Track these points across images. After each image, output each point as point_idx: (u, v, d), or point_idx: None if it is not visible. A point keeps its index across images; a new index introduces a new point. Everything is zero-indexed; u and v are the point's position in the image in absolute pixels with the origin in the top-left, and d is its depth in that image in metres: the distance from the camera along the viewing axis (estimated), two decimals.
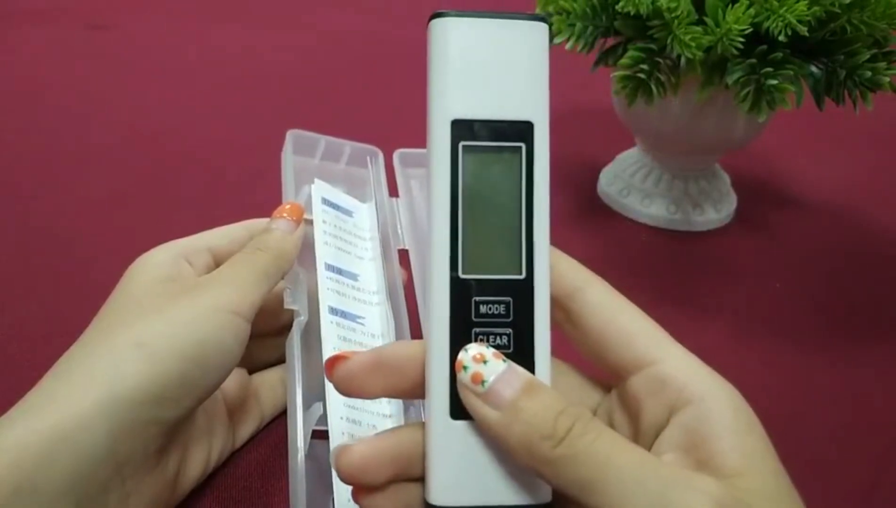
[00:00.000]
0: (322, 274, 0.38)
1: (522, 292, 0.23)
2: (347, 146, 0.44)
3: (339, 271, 0.39)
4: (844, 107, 0.47)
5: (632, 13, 0.46)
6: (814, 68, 0.47)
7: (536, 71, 0.24)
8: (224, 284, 0.32)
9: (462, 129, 0.23)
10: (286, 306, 0.35)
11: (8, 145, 0.65)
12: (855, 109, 0.46)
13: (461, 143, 0.23)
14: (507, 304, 0.23)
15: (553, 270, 0.24)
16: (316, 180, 0.41)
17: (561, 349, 0.24)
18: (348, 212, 0.42)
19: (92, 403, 0.26)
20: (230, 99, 0.76)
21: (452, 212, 0.23)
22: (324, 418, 0.35)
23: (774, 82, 0.44)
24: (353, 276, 0.40)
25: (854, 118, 0.48)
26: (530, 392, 0.22)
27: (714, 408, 0.22)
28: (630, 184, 0.60)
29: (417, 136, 0.68)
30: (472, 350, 0.22)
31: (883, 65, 0.45)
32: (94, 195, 0.58)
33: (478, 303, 0.23)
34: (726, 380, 0.23)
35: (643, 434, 0.24)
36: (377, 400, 0.37)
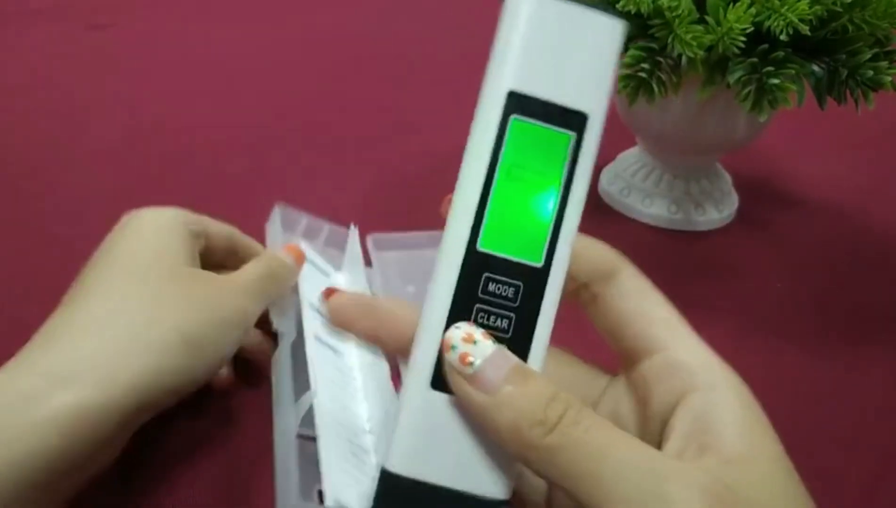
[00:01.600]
0: (307, 310, 0.39)
1: (536, 280, 0.23)
2: (326, 227, 0.48)
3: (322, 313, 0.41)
4: (846, 106, 0.47)
5: (633, 12, 0.46)
6: (815, 67, 0.46)
7: (604, 66, 0.23)
8: (249, 296, 0.35)
9: (516, 103, 0.22)
10: (274, 328, 0.37)
11: (8, 144, 0.64)
12: (857, 108, 0.46)
13: (512, 116, 0.22)
14: (516, 288, 0.23)
15: (586, 254, 0.24)
16: (301, 241, 0.44)
17: (565, 336, 0.24)
18: (326, 274, 0.44)
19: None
20: (230, 98, 0.76)
21: (486, 180, 0.22)
22: (310, 421, 0.36)
23: (776, 81, 0.44)
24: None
25: (856, 117, 0.48)
26: (520, 376, 0.21)
27: (721, 397, 0.22)
28: (631, 183, 0.60)
29: (418, 132, 0.69)
30: (462, 329, 0.22)
31: (884, 64, 0.45)
32: (94, 194, 0.58)
33: (488, 279, 0.22)
34: (736, 373, 0.23)
35: (651, 419, 0.24)
36: (360, 420, 0.38)
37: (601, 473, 0.20)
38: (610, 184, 0.61)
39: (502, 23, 0.23)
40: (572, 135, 0.23)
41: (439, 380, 0.22)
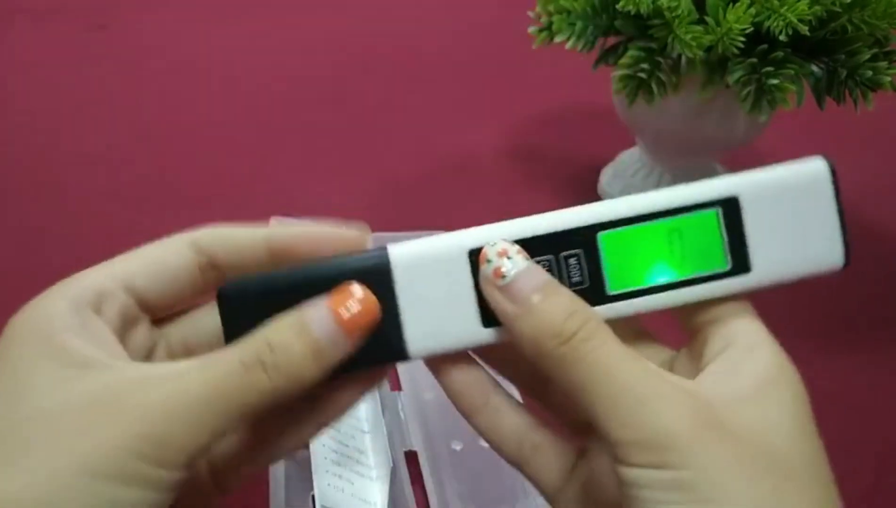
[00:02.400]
0: None
1: (593, 294, 0.24)
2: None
3: None
4: (845, 106, 0.47)
5: (632, 12, 0.46)
6: (815, 67, 0.46)
7: (799, 266, 0.25)
8: (150, 410, 0.20)
9: (728, 207, 0.24)
10: None
11: (8, 145, 0.65)
12: (856, 109, 0.46)
13: (717, 209, 0.24)
14: (577, 284, 0.24)
15: None
16: None
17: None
18: None
19: None
20: (231, 98, 0.76)
21: (657, 214, 0.24)
22: None
23: (775, 81, 0.44)
24: None
25: (855, 117, 0.48)
26: (548, 291, 0.23)
27: (754, 355, 0.23)
28: (630, 183, 0.60)
29: (419, 133, 0.68)
30: (498, 245, 0.23)
31: (884, 64, 0.45)
32: (95, 195, 0.58)
33: (574, 254, 0.24)
34: (780, 347, 0.24)
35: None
36: (358, 422, 0.38)
37: (601, 389, 0.21)
38: (610, 184, 0.61)
39: (796, 162, 0.25)
40: (728, 267, 0.24)
41: (476, 258, 0.24)
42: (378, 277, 0.24)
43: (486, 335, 0.24)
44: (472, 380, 0.25)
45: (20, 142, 0.65)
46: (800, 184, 0.24)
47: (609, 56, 0.51)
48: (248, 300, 0.23)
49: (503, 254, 0.23)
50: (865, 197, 0.65)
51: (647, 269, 0.24)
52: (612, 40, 0.51)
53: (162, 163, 0.63)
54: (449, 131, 0.70)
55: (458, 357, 0.25)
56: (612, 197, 0.60)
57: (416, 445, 0.38)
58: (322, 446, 0.35)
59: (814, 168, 0.24)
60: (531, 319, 0.22)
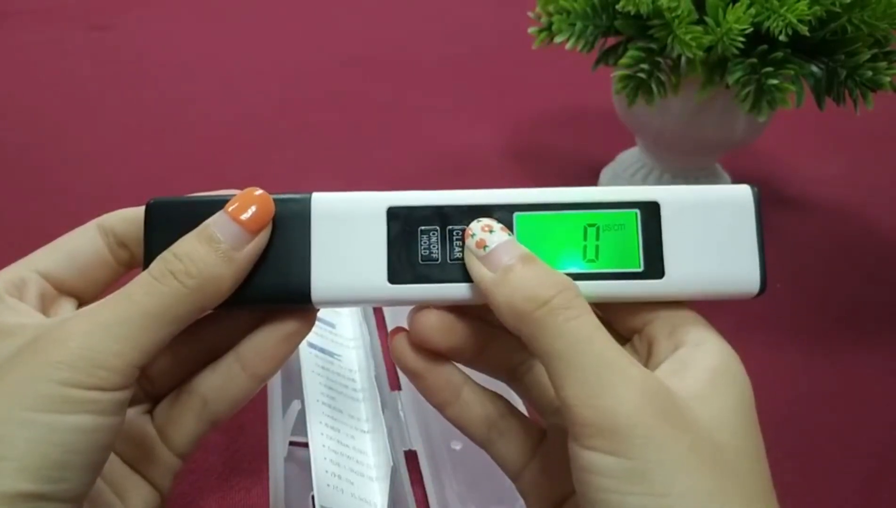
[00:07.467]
0: None
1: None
2: None
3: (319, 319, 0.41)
4: (845, 106, 0.47)
5: (632, 13, 0.46)
6: (814, 68, 0.46)
7: (715, 287, 0.26)
8: (67, 339, 0.21)
9: (648, 213, 0.25)
10: None
11: (8, 144, 0.65)
12: (855, 109, 0.46)
13: (636, 210, 0.25)
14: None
15: None
16: None
17: None
18: None
19: None
20: (231, 98, 0.76)
21: (583, 204, 0.25)
22: (303, 428, 0.36)
23: (775, 82, 0.44)
24: (331, 324, 0.43)
25: (855, 118, 0.48)
26: (526, 261, 0.23)
27: (702, 351, 0.24)
28: (630, 183, 0.60)
29: (419, 133, 0.68)
30: (483, 221, 0.25)
31: (883, 64, 0.45)
32: (94, 196, 0.58)
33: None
34: (724, 340, 0.25)
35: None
36: (358, 422, 0.38)
37: (573, 361, 0.22)
38: (609, 184, 0.61)
39: (714, 188, 0.25)
40: (641, 268, 0.25)
41: (394, 215, 0.25)
42: (296, 218, 0.25)
43: (391, 292, 0.25)
44: (444, 381, 0.26)
45: (20, 141, 0.65)
46: (724, 206, 0.25)
47: (609, 56, 0.51)
48: (171, 216, 0.25)
49: (486, 228, 0.24)
50: (866, 197, 0.65)
51: (559, 255, 0.25)
52: (612, 40, 0.51)
53: (162, 163, 0.63)
54: (449, 131, 0.71)
55: (430, 360, 0.26)
56: None
57: (416, 445, 0.38)
58: (322, 446, 0.35)
59: (739, 193, 0.25)
60: (507, 286, 0.23)
